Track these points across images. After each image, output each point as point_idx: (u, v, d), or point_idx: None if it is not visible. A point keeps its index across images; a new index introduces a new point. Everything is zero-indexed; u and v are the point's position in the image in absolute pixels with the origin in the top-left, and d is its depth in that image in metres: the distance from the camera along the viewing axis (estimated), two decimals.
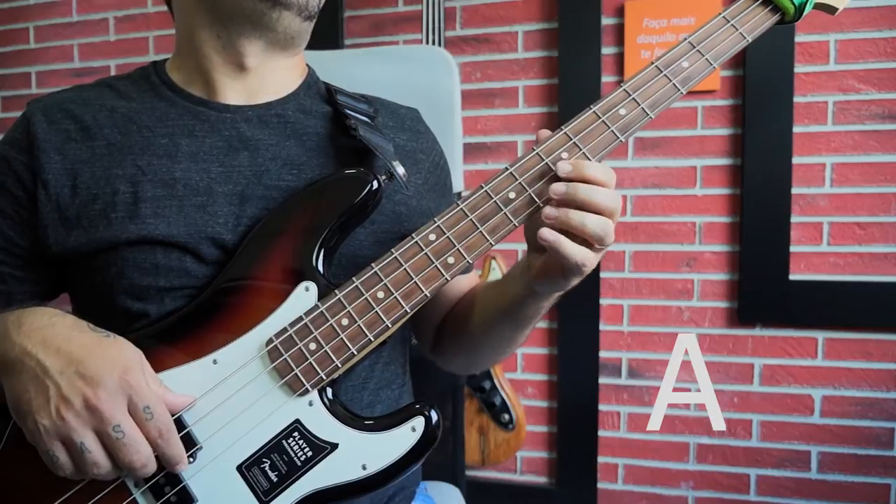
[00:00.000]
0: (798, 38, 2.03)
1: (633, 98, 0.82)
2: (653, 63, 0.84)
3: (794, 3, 0.85)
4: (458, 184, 1.28)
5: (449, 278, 0.81)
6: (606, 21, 2.17)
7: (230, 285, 0.84)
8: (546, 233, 0.77)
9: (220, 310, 0.83)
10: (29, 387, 0.73)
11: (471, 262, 0.81)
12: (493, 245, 0.82)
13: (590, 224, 0.76)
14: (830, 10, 0.90)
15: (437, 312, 1.07)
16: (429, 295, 0.81)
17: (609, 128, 0.82)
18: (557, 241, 0.76)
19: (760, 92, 2.04)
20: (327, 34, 2.29)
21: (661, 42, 2.10)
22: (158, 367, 0.78)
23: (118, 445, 0.71)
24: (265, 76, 0.96)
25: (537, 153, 0.81)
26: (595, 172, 0.77)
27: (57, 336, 0.75)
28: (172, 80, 0.97)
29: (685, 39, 0.85)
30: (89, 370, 0.72)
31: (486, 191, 0.81)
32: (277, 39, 0.94)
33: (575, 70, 2.17)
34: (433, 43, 1.99)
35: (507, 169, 0.81)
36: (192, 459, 0.78)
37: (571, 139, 0.81)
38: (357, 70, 1.41)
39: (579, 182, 0.77)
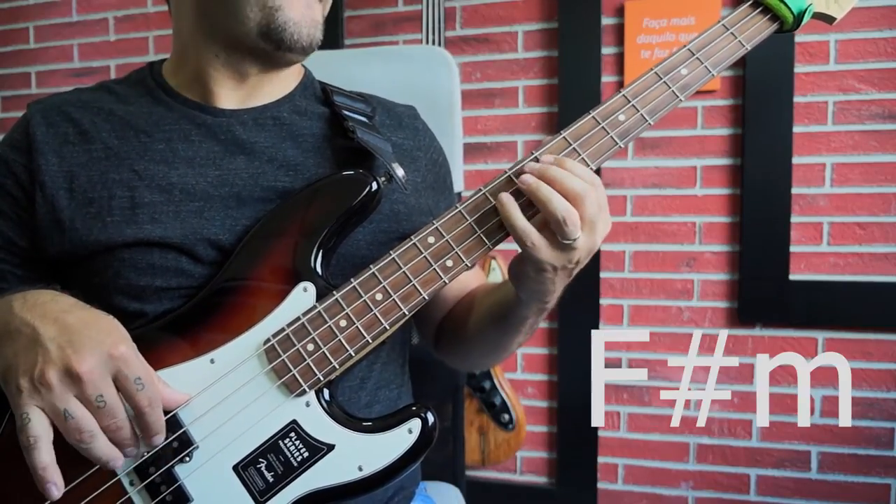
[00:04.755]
0: (798, 39, 2.03)
1: (633, 104, 0.82)
2: (652, 69, 0.84)
3: (792, 13, 0.86)
4: (458, 184, 1.28)
5: (447, 281, 0.81)
6: (606, 21, 2.17)
7: (228, 285, 0.84)
8: (503, 196, 0.78)
9: (218, 309, 0.84)
10: (20, 352, 0.73)
11: (470, 265, 0.81)
12: (491, 248, 0.82)
13: (555, 201, 0.75)
14: (829, 19, 0.91)
15: (439, 310, 1.07)
16: (427, 298, 0.81)
17: (608, 133, 0.82)
18: (508, 204, 0.78)
19: (760, 92, 2.04)
20: (327, 34, 2.26)
21: (661, 42, 2.10)
22: (156, 365, 0.78)
23: (97, 413, 0.71)
24: (262, 84, 0.97)
25: (536, 156, 0.81)
26: (571, 166, 0.77)
27: (56, 309, 0.76)
28: (169, 83, 0.97)
29: (685, 47, 0.85)
30: (80, 339, 0.72)
31: (484, 193, 0.81)
32: (278, 66, 0.96)
33: (575, 70, 2.17)
34: (433, 43, 1.99)
35: (506, 172, 0.81)
36: (188, 459, 0.78)
37: (571, 144, 0.81)
38: (357, 70, 1.40)
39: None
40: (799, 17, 0.86)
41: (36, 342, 0.73)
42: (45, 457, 0.71)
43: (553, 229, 0.76)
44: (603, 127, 0.82)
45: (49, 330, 0.73)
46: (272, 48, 0.90)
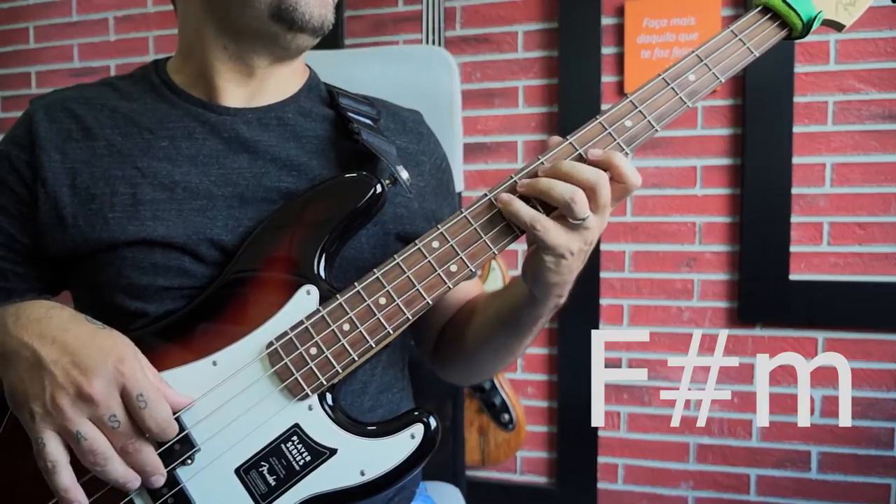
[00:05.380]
0: None
1: (640, 110, 0.82)
2: (660, 75, 0.84)
3: (802, 20, 0.85)
4: (458, 184, 1.28)
5: (451, 286, 0.81)
6: (606, 21, 2.16)
7: (230, 286, 0.84)
8: (503, 195, 0.79)
9: (220, 311, 0.83)
10: (24, 377, 0.73)
11: (474, 270, 0.81)
12: (496, 254, 0.81)
13: (557, 187, 0.76)
14: (838, 26, 0.90)
15: (439, 319, 1.07)
16: (431, 303, 0.81)
17: (615, 140, 0.81)
18: (509, 199, 0.78)
19: (760, 92, 2.04)
20: (327, 34, 2.28)
21: (661, 42, 2.09)
22: (157, 367, 0.78)
23: (113, 435, 0.72)
24: (268, 81, 0.97)
25: (542, 161, 0.81)
26: (616, 159, 0.78)
27: (53, 327, 0.76)
28: (173, 81, 0.97)
29: (693, 52, 0.85)
30: (84, 360, 0.72)
31: (490, 198, 0.81)
32: (288, 54, 0.96)
33: (575, 70, 2.17)
34: (433, 43, 1.99)
35: (511, 177, 0.81)
36: (190, 461, 0.78)
37: (577, 150, 0.81)
38: (357, 70, 1.40)
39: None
40: (808, 24, 0.86)
41: (39, 366, 0.73)
42: (67, 480, 0.72)
43: (563, 213, 0.76)
44: (609, 133, 0.81)
45: (50, 352, 0.73)
46: (284, 29, 0.90)
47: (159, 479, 0.75)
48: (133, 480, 0.74)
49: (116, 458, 0.72)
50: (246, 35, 0.92)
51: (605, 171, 0.77)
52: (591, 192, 0.76)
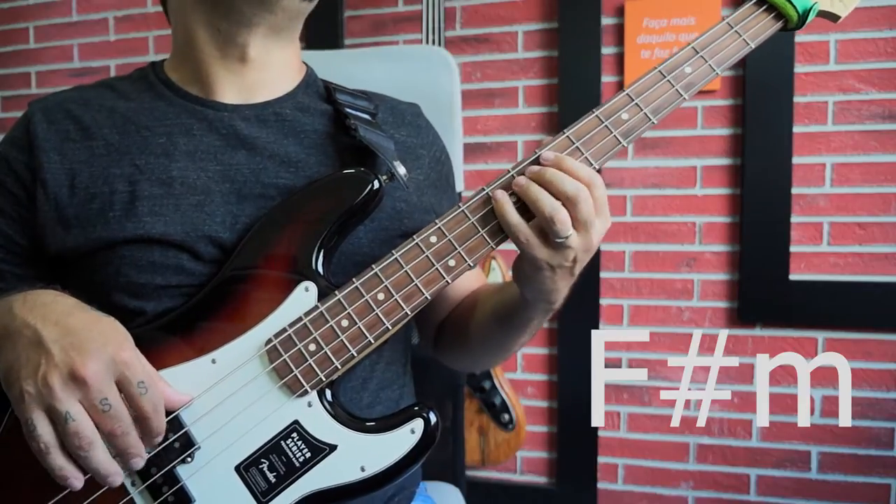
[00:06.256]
0: (798, 38, 2.03)
1: (636, 103, 0.82)
2: (656, 68, 0.84)
3: (797, 11, 0.85)
4: (458, 184, 1.28)
5: (450, 281, 0.81)
6: (606, 21, 2.16)
7: (229, 284, 0.84)
8: (499, 192, 0.79)
9: (219, 309, 0.83)
10: (21, 354, 0.73)
11: (472, 264, 0.81)
12: (494, 248, 0.82)
13: (543, 200, 0.76)
14: (833, 17, 0.91)
15: (440, 311, 1.07)
16: (429, 297, 0.81)
17: (612, 132, 0.81)
18: (502, 200, 0.79)
19: (760, 92, 2.04)
20: (327, 34, 2.29)
21: (662, 42, 2.10)
22: (156, 364, 0.78)
23: (103, 418, 0.71)
24: (264, 70, 0.96)
25: (539, 155, 0.80)
26: (571, 165, 0.77)
27: (58, 311, 0.76)
28: (170, 79, 0.97)
29: (689, 45, 0.85)
30: (83, 342, 0.72)
31: (487, 193, 0.81)
32: (276, 23, 0.93)
33: (575, 70, 2.17)
34: (433, 43, 1.99)
35: (509, 171, 0.81)
36: (190, 459, 0.78)
37: (574, 143, 0.81)
38: (357, 70, 1.40)
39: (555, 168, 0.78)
40: (804, 16, 0.86)
41: (38, 344, 0.73)
42: (60, 459, 0.72)
43: (544, 228, 0.76)
44: (606, 125, 0.81)
45: (51, 332, 0.73)
46: None
47: (139, 462, 0.75)
48: (114, 475, 0.73)
49: (101, 445, 0.72)
50: (234, 4, 0.90)
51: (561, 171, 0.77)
52: (571, 206, 0.75)
